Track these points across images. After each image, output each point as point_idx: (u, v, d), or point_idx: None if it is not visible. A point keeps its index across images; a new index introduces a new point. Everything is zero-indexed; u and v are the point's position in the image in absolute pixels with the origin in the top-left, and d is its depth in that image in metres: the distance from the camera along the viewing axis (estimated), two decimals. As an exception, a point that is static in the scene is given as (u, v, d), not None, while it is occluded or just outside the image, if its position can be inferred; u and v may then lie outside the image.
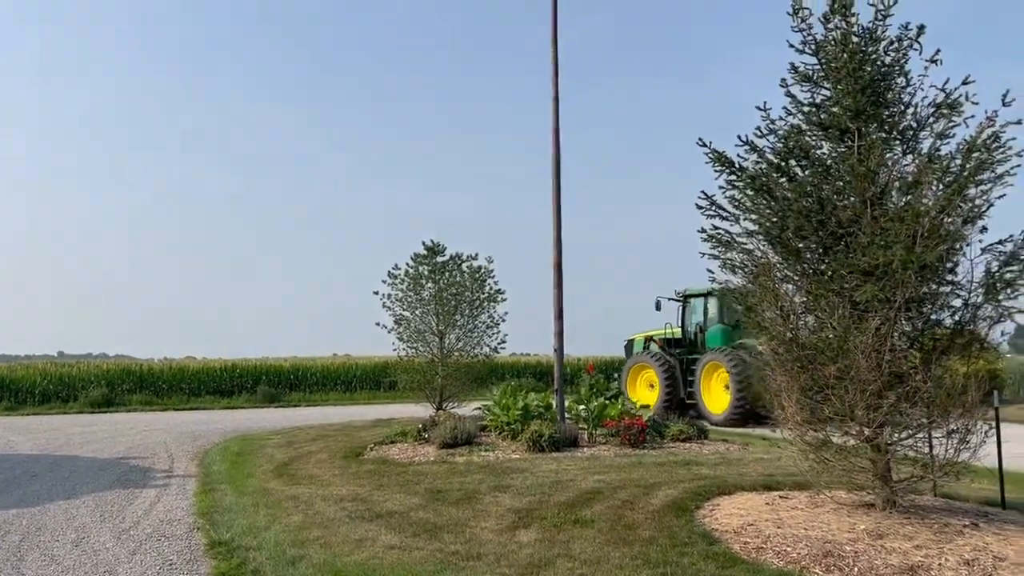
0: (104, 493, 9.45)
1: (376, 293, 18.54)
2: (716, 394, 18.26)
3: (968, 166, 6.27)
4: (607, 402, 13.13)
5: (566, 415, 12.77)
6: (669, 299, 20.52)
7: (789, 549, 5.89)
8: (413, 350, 18.42)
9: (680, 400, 19.24)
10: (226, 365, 30.77)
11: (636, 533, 6.52)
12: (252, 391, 29.35)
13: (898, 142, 6.86)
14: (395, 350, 18.68)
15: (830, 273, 6.74)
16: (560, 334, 12.87)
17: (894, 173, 6.72)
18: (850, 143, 6.82)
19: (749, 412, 16.77)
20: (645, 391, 20.28)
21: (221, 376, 30.08)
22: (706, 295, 19.68)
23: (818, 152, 7.05)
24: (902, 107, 6.85)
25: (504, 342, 18.74)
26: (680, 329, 20.48)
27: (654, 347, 20.89)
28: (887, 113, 6.84)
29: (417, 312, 18.35)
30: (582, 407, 13.02)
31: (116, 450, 13.87)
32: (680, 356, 19.89)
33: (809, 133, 7.10)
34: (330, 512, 7.76)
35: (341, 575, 5.52)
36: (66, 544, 6.96)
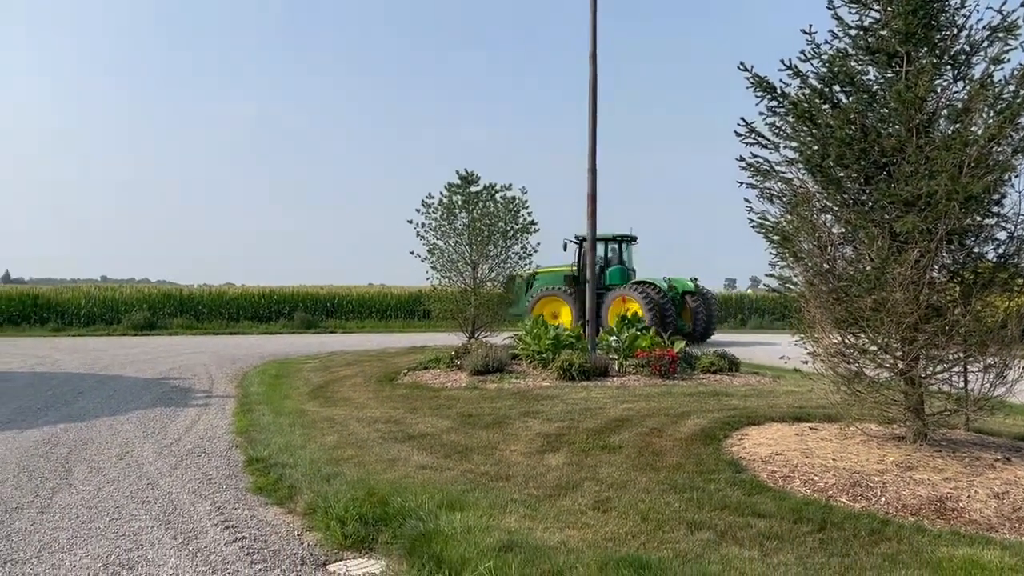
0: (147, 411, 9.79)
1: (410, 222, 18.57)
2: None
3: (1022, 92, 6.00)
4: (638, 333, 13.15)
5: (596, 345, 12.84)
6: (572, 241, 23.55)
7: (817, 478, 5.92)
8: (446, 279, 18.52)
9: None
10: (264, 292, 31.35)
11: (663, 460, 6.59)
12: (289, 317, 29.93)
13: (949, 67, 6.56)
14: (428, 279, 18.80)
15: (871, 203, 6.58)
16: (593, 265, 12.86)
17: (943, 100, 6.46)
18: (898, 68, 6.55)
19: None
20: (549, 320, 21.53)
21: (259, 302, 30.69)
22: (607, 240, 23.60)
23: (864, 78, 6.78)
24: (955, 30, 6.52)
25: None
26: (576, 267, 23.61)
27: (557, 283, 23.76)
28: (938, 36, 6.52)
29: (451, 242, 18.36)
30: (613, 338, 13.06)
31: (158, 371, 14.30)
32: (582, 290, 22.75)
33: (855, 58, 6.83)
34: (364, 433, 7.96)
35: (374, 492, 5.66)
36: (111, 457, 7.24)
